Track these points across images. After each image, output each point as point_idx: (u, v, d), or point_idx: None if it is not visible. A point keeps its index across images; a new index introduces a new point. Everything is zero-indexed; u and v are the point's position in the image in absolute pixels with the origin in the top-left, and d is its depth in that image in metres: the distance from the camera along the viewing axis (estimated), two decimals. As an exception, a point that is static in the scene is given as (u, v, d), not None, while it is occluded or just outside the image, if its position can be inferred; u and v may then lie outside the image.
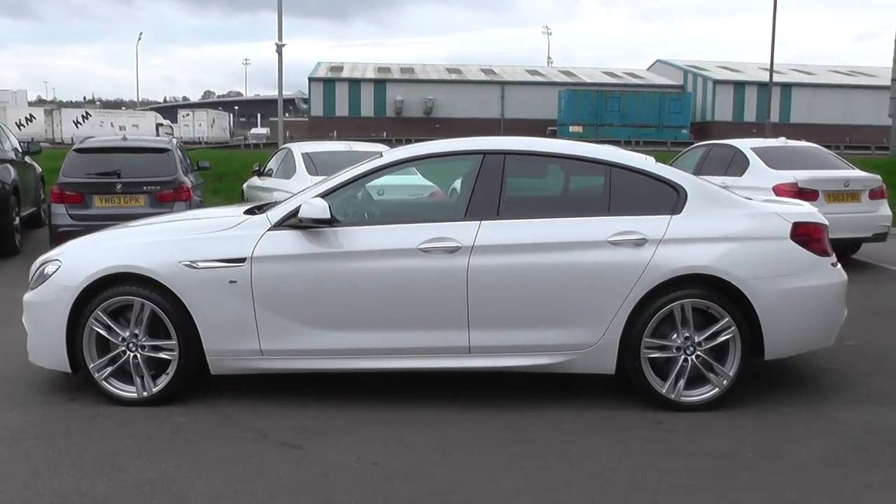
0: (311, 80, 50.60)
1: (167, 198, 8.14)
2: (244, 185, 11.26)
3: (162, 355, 4.38)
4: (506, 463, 3.69)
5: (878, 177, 8.69)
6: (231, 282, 4.28)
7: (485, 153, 4.51)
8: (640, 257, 4.30)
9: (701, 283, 4.34)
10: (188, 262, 4.30)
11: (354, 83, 50.67)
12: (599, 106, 49.69)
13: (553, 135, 48.12)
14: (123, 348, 4.39)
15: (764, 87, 51.70)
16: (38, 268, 4.58)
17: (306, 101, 49.92)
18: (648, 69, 60.27)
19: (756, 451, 3.88)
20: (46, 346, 4.46)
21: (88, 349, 4.38)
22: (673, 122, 49.83)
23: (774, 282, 4.36)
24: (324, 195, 4.38)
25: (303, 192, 4.68)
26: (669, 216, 4.42)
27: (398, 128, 45.65)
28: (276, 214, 4.41)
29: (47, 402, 4.49)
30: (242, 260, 4.29)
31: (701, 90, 53.16)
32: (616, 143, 35.22)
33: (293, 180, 8.58)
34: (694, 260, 4.31)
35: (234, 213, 4.85)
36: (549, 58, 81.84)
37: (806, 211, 4.68)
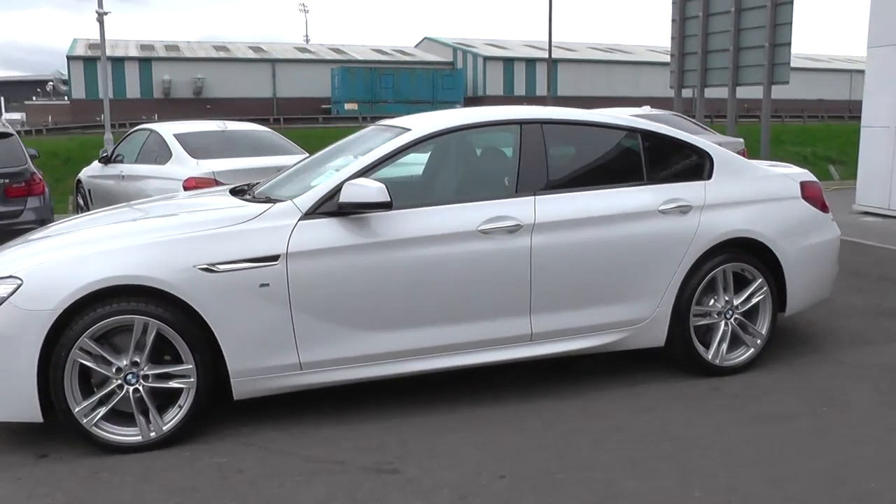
0: (69, 58, 44.68)
1: (18, 192, 6.66)
2: (81, 176, 9.60)
3: (173, 384, 3.52)
4: (631, 454, 3.43)
5: (742, 139, 9.50)
6: (262, 285, 3.54)
7: (521, 122, 4.14)
8: (688, 225, 4.24)
9: (737, 246, 4.38)
10: (205, 266, 3.47)
11: (117, 62, 45.50)
12: (373, 83, 50.01)
13: (328, 113, 47.59)
14: (119, 382, 3.46)
15: (531, 63, 55.31)
16: None
17: (66, 82, 43.98)
18: (416, 46, 61.39)
19: (826, 405, 4.00)
20: (8, 393, 3.39)
21: (71, 388, 3.40)
22: (446, 98, 51.43)
23: (795, 240, 4.52)
24: (359, 176, 3.75)
25: (322, 174, 3.99)
26: (704, 182, 4.39)
27: (167, 109, 42.08)
28: (306, 200, 3.70)
29: (12, 464, 3.43)
30: (275, 258, 3.56)
31: (471, 66, 55.27)
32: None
33: (171, 165, 7.45)
34: (734, 224, 4.33)
35: (229, 201, 4.03)
36: (306, 36, 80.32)
37: (802, 172, 4.91)
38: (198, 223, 3.64)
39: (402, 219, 3.76)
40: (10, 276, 3.41)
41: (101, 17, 17.71)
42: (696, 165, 4.45)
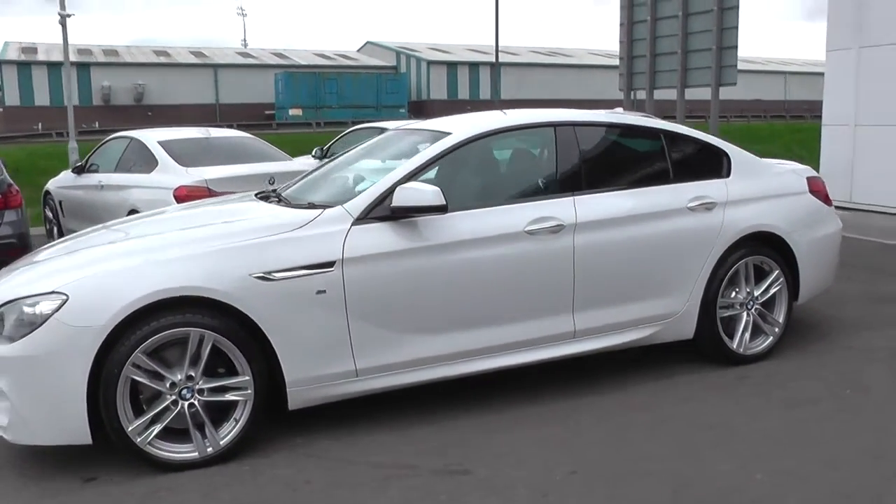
0: (1, 63, 42.78)
1: (-3, 206, 6.32)
2: (50, 186, 9.18)
3: (229, 397, 3.42)
4: (681, 443, 3.51)
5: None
6: (319, 292, 3.47)
7: (555, 125, 4.18)
8: (714, 221, 4.34)
9: (756, 240, 4.49)
10: (261, 275, 3.39)
11: (54, 67, 43.74)
12: (317, 88, 49.64)
13: (272, 119, 46.98)
14: (174, 397, 3.33)
15: (474, 67, 55.60)
16: (8, 309, 3.28)
17: (-1, 87, 42.14)
18: (359, 50, 61.04)
19: (848, 388, 4.14)
20: (54, 415, 3.24)
21: (123, 406, 3.26)
22: (390, 102, 51.46)
23: (806, 232, 4.67)
24: (408, 180, 3.71)
25: (354, 179, 3.93)
26: (724, 180, 4.50)
27: (108, 116, 40.89)
28: (357, 205, 3.64)
29: (58, 490, 3.26)
30: (331, 264, 3.49)
31: (415, 70, 55.24)
32: (337, 125, 35.72)
33: (158, 174, 7.22)
34: (754, 219, 4.46)
35: (268, 208, 3.93)
36: (244, 41, 78.92)
37: (806, 168, 5.07)
38: (248, 231, 3.54)
39: (451, 221, 3.73)
40: (53, 292, 3.25)
41: (63, 20, 16.78)
42: (715, 164, 4.56)
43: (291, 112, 47.96)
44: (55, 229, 9.11)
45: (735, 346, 4.47)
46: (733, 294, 4.48)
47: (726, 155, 4.59)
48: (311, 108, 48.81)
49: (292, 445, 3.59)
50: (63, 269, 3.43)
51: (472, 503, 3.02)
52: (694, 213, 4.30)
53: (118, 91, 44.90)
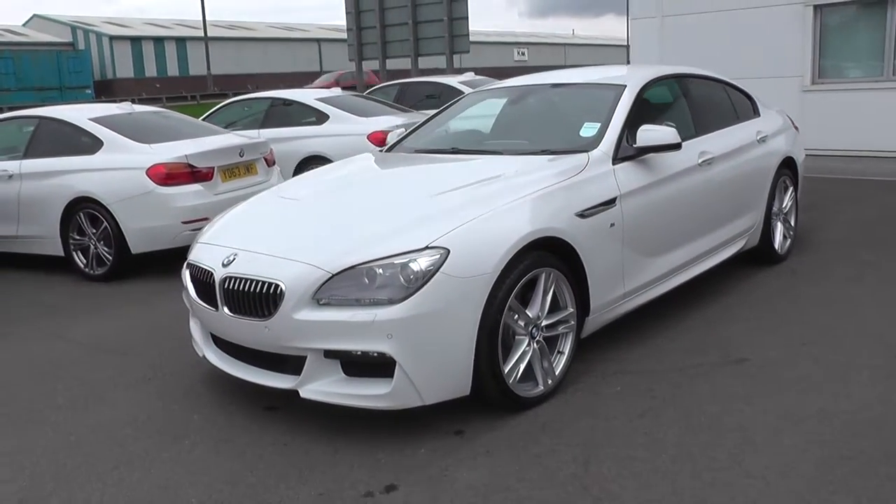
0: None
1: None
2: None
3: (560, 330, 3.54)
4: (842, 313, 4.46)
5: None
6: (611, 225, 3.73)
7: (678, 77, 4.81)
8: (768, 150, 5.33)
9: (784, 164, 5.60)
10: (580, 212, 3.55)
11: None
12: (-8, 69, 42.30)
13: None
14: (527, 337, 3.38)
15: (160, 42, 51.47)
16: (365, 272, 3.06)
17: None
18: (26, 25, 52.79)
19: (863, 263, 5.46)
20: (442, 372, 3.12)
21: (499, 352, 3.23)
22: (75, 83, 45.94)
23: (800, 155, 5.92)
24: (627, 126, 4.09)
25: (584, 126, 4.15)
26: (759, 118, 5.51)
27: None
28: (608, 148, 3.94)
29: (445, 448, 3.12)
30: (614, 200, 3.77)
31: (96, 47, 49.52)
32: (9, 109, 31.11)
33: (109, 154, 6.27)
34: (783, 147, 5.54)
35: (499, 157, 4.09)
36: None
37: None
38: (549, 176, 3.64)
39: (663, 158, 4.18)
40: (428, 248, 3.08)
41: None
42: (750, 106, 5.56)
43: (-39, 98, 40.13)
44: None
45: (777, 248, 5.57)
46: (774, 207, 5.56)
47: (753, 99, 5.62)
48: (-12, 93, 41.42)
49: (578, 372, 3.76)
50: (406, 226, 3.25)
51: (802, 372, 3.62)
52: (759, 145, 5.25)
53: None
